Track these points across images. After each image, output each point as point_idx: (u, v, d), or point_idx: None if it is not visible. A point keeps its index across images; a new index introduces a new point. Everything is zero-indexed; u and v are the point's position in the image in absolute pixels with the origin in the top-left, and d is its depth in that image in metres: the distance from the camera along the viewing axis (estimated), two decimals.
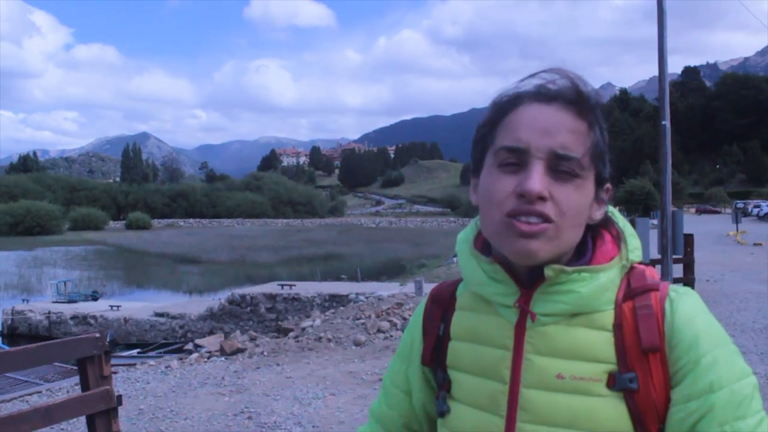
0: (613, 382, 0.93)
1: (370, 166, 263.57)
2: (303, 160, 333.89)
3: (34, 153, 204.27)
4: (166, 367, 9.70)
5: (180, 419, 6.43)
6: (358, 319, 11.56)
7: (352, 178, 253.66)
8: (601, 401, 0.93)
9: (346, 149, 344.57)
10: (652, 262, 10.77)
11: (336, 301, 21.17)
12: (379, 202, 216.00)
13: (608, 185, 1.00)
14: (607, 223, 1.04)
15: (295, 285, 24.55)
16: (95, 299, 29.18)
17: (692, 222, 35.48)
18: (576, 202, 0.92)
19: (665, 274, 10.33)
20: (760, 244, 25.95)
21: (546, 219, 0.91)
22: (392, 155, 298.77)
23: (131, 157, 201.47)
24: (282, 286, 24.45)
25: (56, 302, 28.00)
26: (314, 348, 9.97)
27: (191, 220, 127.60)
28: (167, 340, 22.52)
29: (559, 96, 0.94)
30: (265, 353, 9.93)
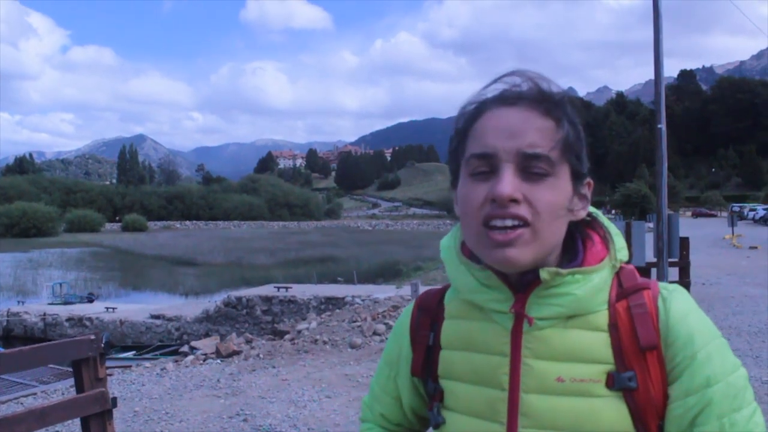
0: (612, 382, 0.94)
1: (366, 168, 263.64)
2: (299, 162, 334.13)
3: (31, 155, 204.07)
4: (162, 369, 9.68)
5: (175, 421, 6.42)
6: (354, 321, 11.57)
7: (348, 180, 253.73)
8: (601, 402, 0.93)
9: (343, 152, 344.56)
10: (648, 266, 10.81)
11: (332, 303, 21.13)
12: (375, 205, 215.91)
13: (588, 180, 1.00)
14: (593, 223, 1.04)
15: (291, 287, 24.51)
16: (91, 301, 29.10)
17: (688, 225, 35.52)
18: (551, 200, 0.92)
19: (661, 277, 10.35)
20: (756, 248, 26.02)
21: (522, 221, 0.91)
22: (389, 158, 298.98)
23: (128, 159, 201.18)
24: (278, 288, 24.41)
25: (52, 304, 27.92)
26: (310, 350, 9.96)
27: (187, 222, 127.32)
28: (163, 342, 22.46)
29: (522, 97, 0.95)
30: (261, 355, 9.92)
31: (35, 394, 8.93)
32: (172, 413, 6.71)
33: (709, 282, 15.21)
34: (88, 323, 24.80)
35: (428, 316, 1.12)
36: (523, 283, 0.98)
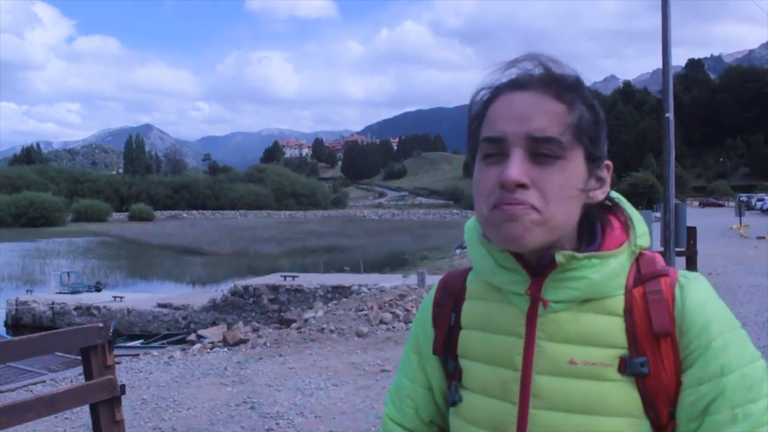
0: (624, 366, 0.94)
1: (373, 158, 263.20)
2: (306, 152, 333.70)
3: (38, 145, 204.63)
4: (169, 358, 9.74)
5: (183, 409, 6.46)
6: (360, 310, 11.59)
7: (355, 170, 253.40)
8: (612, 386, 0.94)
9: (349, 141, 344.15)
10: None
11: (339, 292, 21.18)
12: (381, 194, 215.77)
13: (606, 162, 1.00)
14: (614, 209, 1.04)
15: (297, 276, 24.57)
16: (98, 290, 29.25)
17: (695, 215, 35.37)
18: (560, 183, 0.92)
19: None
20: (763, 238, 25.91)
21: (529, 206, 0.91)
22: (395, 147, 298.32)
23: (134, 148, 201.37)
24: (285, 277, 24.48)
25: (60, 293, 28.06)
26: (317, 339, 10.00)
27: (194, 212, 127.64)
28: (170, 331, 22.57)
29: (533, 81, 0.95)
30: (268, 344, 9.96)
31: (44, 381, 9.00)
32: (179, 401, 6.75)
33: (716, 272, 15.18)
34: (95, 312, 24.93)
35: (451, 296, 1.13)
36: (540, 266, 0.98)
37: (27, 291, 30.13)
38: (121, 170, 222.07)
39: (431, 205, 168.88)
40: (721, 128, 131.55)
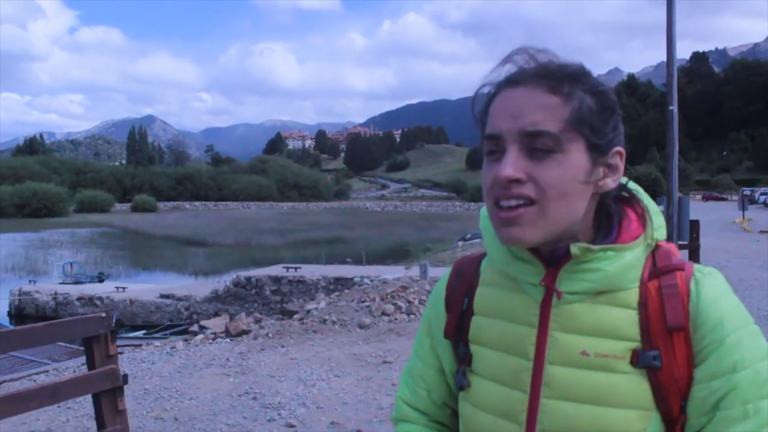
0: (636, 359, 0.94)
1: (375, 149, 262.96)
2: (309, 143, 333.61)
3: (41, 135, 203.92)
4: (172, 348, 9.76)
5: (185, 399, 6.48)
6: (362, 302, 11.60)
7: (357, 161, 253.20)
8: (624, 378, 0.94)
9: (352, 133, 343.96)
10: None
11: (341, 284, 21.20)
12: (384, 186, 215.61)
13: (617, 149, 0.98)
14: (632, 200, 1.04)
15: (300, 268, 24.60)
16: (101, 281, 29.32)
17: (698, 209, 35.29)
18: (557, 177, 0.92)
19: None
20: (766, 232, 25.85)
21: (525, 200, 0.92)
22: (398, 139, 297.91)
23: (137, 140, 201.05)
24: (287, 268, 24.51)
25: (63, 283, 28.13)
26: (319, 330, 10.01)
27: (197, 203, 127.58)
28: (173, 322, 22.63)
29: (525, 77, 0.95)
30: (270, 335, 9.98)
31: (47, 371, 9.03)
32: (182, 391, 6.78)
33: (718, 265, 15.15)
34: (98, 302, 25.00)
35: (464, 282, 1.14)
36: (554, 257, 0.99)
37: (30, 281, 30.23)
38: (123, 161, 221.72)
39: (434, 197, 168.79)
40: (725, 122, 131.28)
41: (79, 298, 25.63)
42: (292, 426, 5.55)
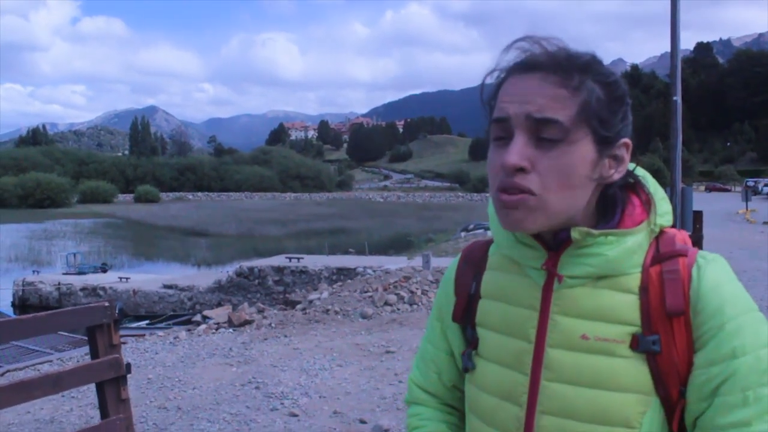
0: (636, 344, 0.94)
1: (378, 140, 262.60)
2: (311, 134, 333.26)
3: (43, 126, 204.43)
4: (175, 338, 9.78)
5: (188, 389, 6.51)
6: (365, 292, 11.61)
7: (360, 152, 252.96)
8: (623, 362, 0.94)
9: (355, 123, 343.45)
10: None
11: (343, 274, 21.25)
12: (387, 177, 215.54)
13: (624, 140, 0.98)
14: (636, 186, 1.04)
15: (303, 258, 24.64)
16: (104, 271, 29.39)
17: (702, 200, 35.26)
18: (562, 168, 0.92)
19: None
20: None
21: (527, 191, 0.92)
22: (401, 130, 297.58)
23: (139, 130, 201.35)
24: (290, 259, 24.56)
25: (66, 274, 28.22)
26: (321, 320, 10.02)
27: (199, 194, 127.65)
28: (176, 312, 22.70)
29: (537, 65, 0.94)
30: (273, 325, 9.99)
31: (51, 361, 9.06)
32: (185, 381, 6.80)
33: (722, 256, 15.13)
34: (101, 293, 25.09)
35: (472, 266, 1.15)
36: (557, 242, 0.99)
37: (34, 272, 30.32)
38: (126, 152, 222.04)
39: (436, 187, 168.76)
40: (729, 112, 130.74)
41: (83, 289, 25.72)
42: (294, 415, 5.57)
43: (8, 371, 8.22)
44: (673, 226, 1.04)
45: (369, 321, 9.86)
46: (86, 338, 3.94)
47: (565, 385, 0.97)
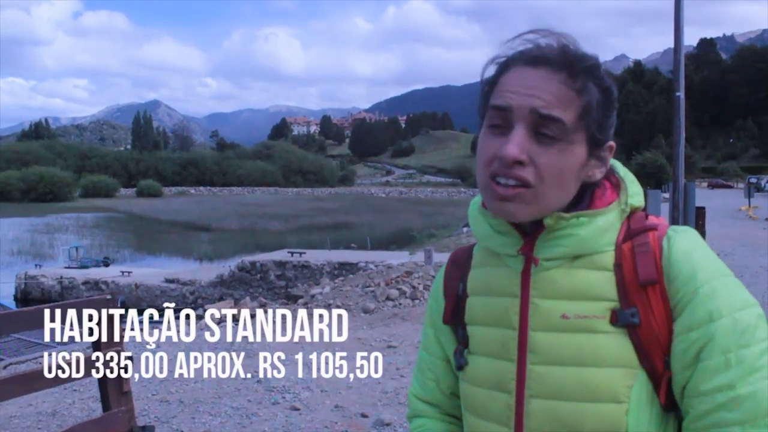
0: (615, 318, 0.96)
1: (380, 135, 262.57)
2: (314, 129, 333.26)
3: (46, 120, 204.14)
4: (177, 332, 9.78)
5: (190, 382, 6.52)
6: (367, 287, 11.62)
7: (362, 147, 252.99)
8: (605, 338, 0.95)
9: (357, 119, 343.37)
10: None
11: (346, 269, 21.27)
12: (389, 172, 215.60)
13: (610, 143, 1.01)
14: (608, 173, 1.05)
15: (305, 253, 24.66)
16: (107, 265, 29.45)
17: (704, 196, 35.17)
18: (558, 166, 0.94)
19: None
20: None
21: (524, 183, 0.93)
22: (403, 125, 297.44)
23: (142, 125, 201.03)
24: (292, 253, 24.58)
25: (68, 268, 28.27)
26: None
27: (202, 188, 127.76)
28: (178, 306, 22.73)
29: (546, 60, 0.95)
30: (275, 319, 10.00)
31: (53, 353, 9.07)
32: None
33: (723, 252, 15.12)
34: (104, 287, 25.13)
35: (459, 268, 1.17)
36: (532, 228, 1.01)
37: (36, 265, 30.37)
38: (129, 146, 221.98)
39: (439, 183, 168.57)
40: (732, 109, 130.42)
41: (85, 282, 25.76)
42: (296, 409, 5.57)
43: (10, 364, 8.24)
44: (675, 222, 1.05)
45: (371, 316, 9.88)
46: None
47: (551, 367, 0.98)
